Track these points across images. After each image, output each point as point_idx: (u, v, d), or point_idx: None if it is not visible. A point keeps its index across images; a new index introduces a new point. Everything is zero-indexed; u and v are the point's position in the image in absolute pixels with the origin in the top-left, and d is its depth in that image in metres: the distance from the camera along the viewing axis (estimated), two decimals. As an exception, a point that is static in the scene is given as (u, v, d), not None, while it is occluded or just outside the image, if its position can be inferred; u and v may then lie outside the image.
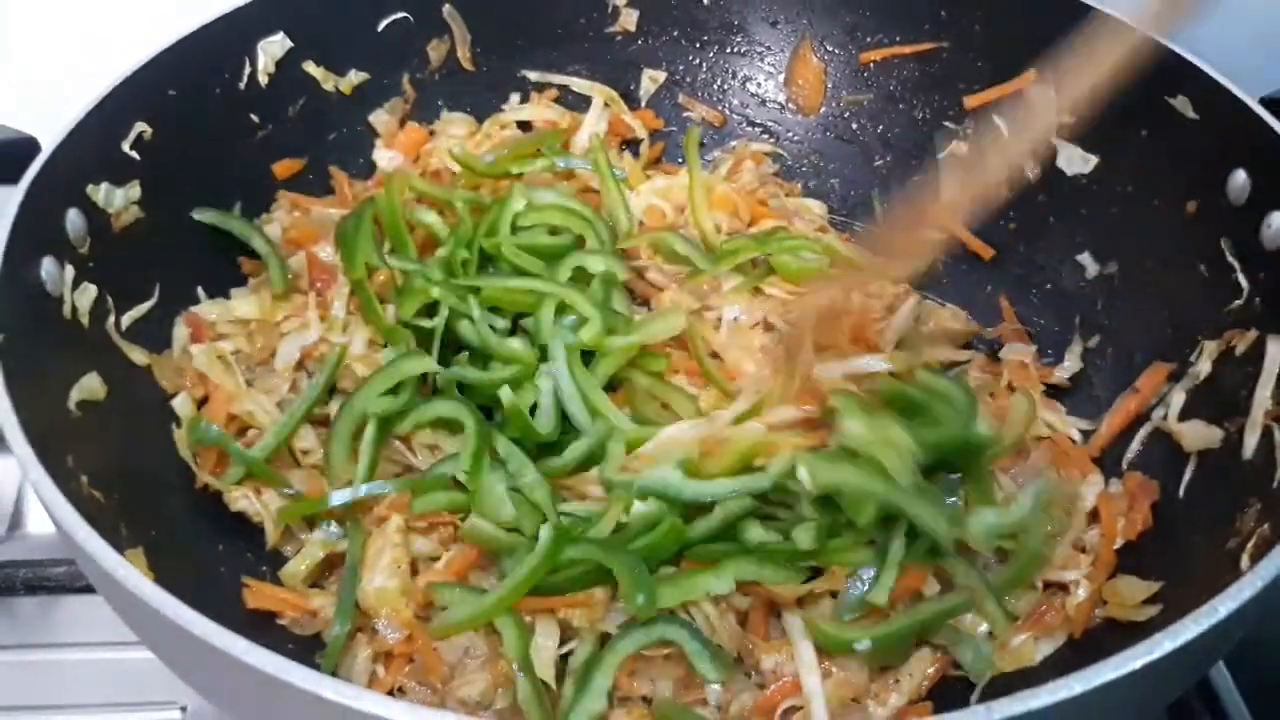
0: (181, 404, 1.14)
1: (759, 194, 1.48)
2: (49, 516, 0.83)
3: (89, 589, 1.14)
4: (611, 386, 1.21)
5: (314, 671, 0.69)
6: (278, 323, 1.24)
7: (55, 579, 1.19)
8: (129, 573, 0.76)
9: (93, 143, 1.10)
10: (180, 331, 1.20)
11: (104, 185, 1.11)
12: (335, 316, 1.23)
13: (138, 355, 1.13)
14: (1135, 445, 1.20)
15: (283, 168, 1.37)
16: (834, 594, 1.04)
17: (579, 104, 1.54)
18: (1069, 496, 1.14)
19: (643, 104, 1.57)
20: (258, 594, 1.03)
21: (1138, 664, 0.65)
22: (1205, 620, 0.68)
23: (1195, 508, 1.10)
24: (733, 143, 1.57)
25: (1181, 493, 1.12)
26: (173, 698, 1.13)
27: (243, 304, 1.23)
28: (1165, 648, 0.66)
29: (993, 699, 0.67)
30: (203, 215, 1.25)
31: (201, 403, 1.16)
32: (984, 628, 1.03)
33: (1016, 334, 1.37)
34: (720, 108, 1.58)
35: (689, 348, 1.24)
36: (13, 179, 1.01)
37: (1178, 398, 1.18)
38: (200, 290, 1.25)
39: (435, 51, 1.46)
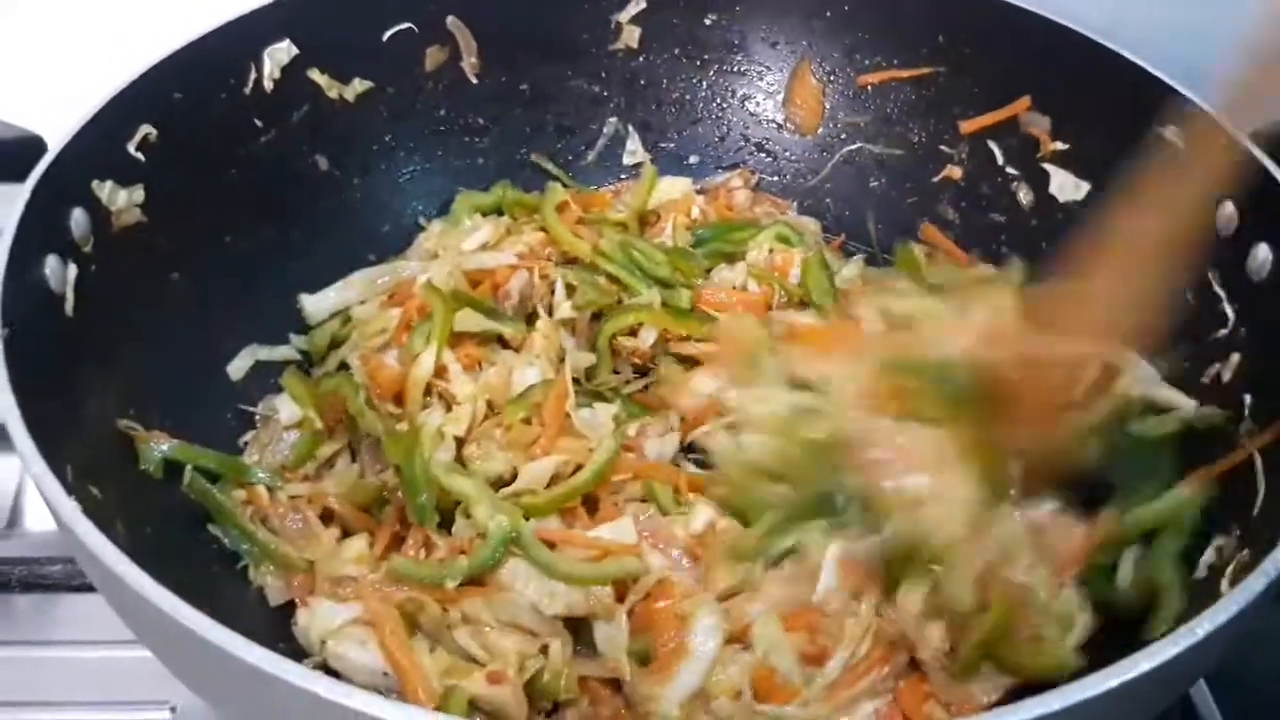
0: None
1: (753, 213, 1.50)
2: (50, 513, 0.84)
3: (85, 587, 1.15)
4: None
5: (315, 672, 0.70)
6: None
7: (52, 577, 1.20)
8: (129, 569, 0.77)
9: (98, 143, 1.11)
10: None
11: (109, 183, 1.11)
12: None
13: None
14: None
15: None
16: None
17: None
18: None
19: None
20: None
21: (1114, 683, 0.66)
22: (1183, 641, 0.70)
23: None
24: (723, 173, 1.59)
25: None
26: (163, 697, 1.13)
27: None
28: (1142, 667, 0.67)
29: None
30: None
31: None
32: None
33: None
34: (720, 126, 1.60)
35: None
36: (19, 177, 1.02)
37: (1162, 424, 1.19)
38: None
39: (438, 62, 1.47)
